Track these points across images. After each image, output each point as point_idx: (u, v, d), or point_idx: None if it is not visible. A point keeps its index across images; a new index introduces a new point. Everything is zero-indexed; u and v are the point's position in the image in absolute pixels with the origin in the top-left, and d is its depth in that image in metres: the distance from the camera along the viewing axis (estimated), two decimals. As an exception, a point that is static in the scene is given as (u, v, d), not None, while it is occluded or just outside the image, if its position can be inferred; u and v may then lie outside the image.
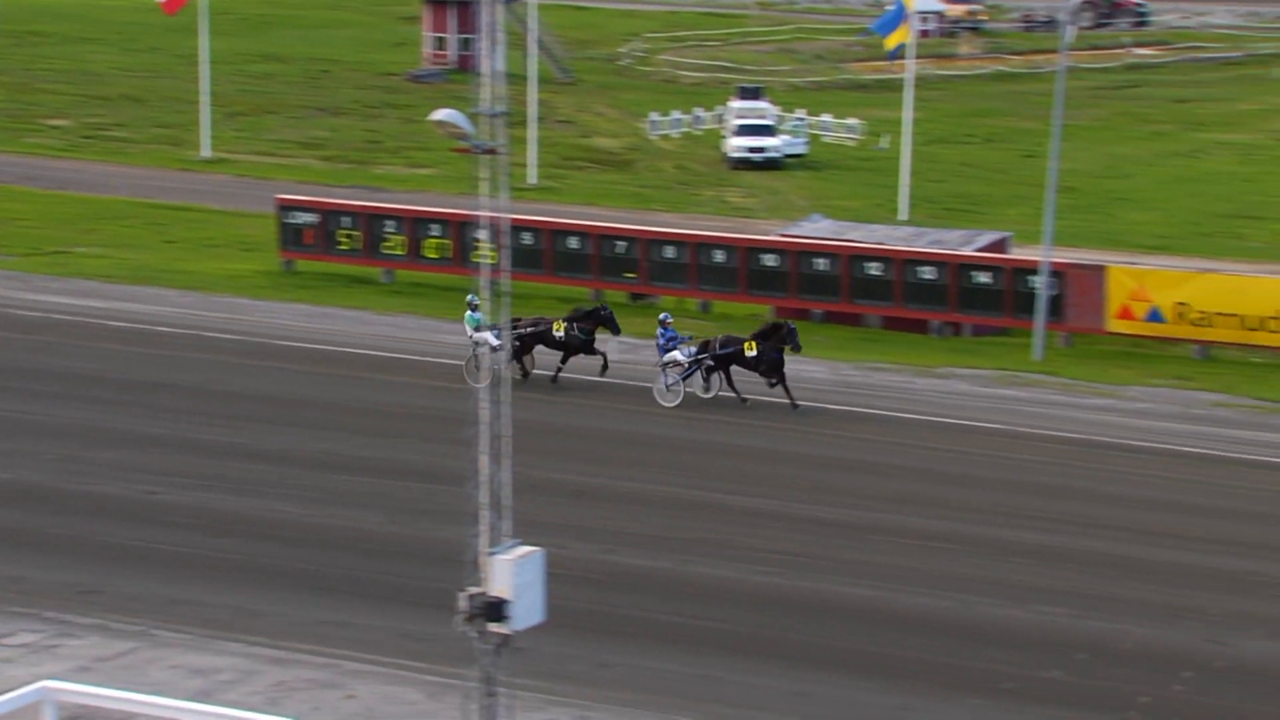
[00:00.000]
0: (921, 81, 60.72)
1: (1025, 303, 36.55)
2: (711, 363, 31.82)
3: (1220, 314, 35.49)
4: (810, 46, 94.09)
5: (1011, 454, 29.29)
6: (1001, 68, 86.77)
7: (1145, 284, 36.44)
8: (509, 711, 18.52)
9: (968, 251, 38.78)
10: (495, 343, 32.58)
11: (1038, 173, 46.67)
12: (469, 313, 32.56)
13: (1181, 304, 35.87)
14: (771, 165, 61.33)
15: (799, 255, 39.12)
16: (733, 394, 31.77)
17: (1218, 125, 70.94)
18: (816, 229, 41.36)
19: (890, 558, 24.45)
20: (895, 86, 62.48)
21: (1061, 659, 21.09)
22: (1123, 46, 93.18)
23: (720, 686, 20.44)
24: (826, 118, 68.42)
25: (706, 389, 31.95)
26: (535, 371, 33.24)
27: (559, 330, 32.96)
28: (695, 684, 20.50)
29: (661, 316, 32.72)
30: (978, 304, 37.67)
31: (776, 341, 31.65)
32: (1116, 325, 36.57)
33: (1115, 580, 23.60)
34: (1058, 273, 36.52)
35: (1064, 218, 40.54)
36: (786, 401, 31.41)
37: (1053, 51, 60.22)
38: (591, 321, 33.16)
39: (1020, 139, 65.93)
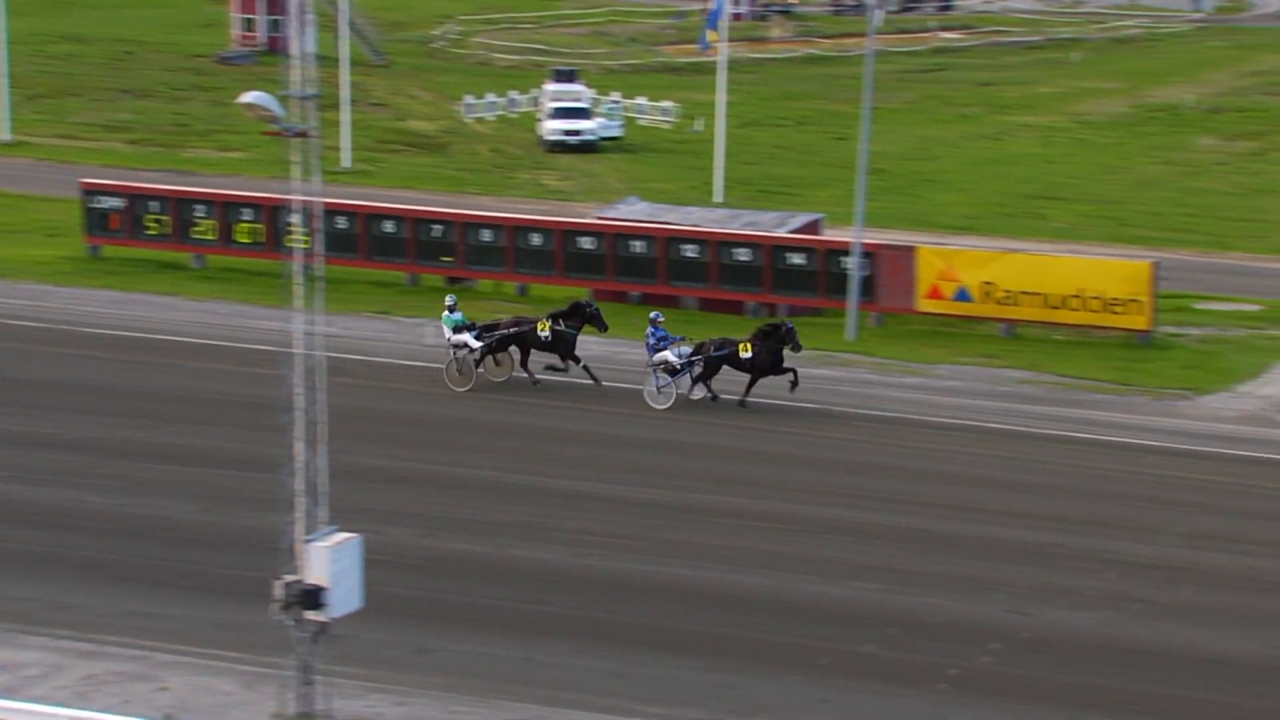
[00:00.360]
0: (734, 65, 61.22)
1: (838, 283, 37.10)
2: (701, 366, 30.59)
3: (1025, 293, 36.34)
4: (624, 29, 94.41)
5: (826, 433, 29.72)
6: (812, 51, 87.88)
7: (953, 264, 37.18)
8: (326, 699, 18.36)
9: (782, 233, 39.23)
10: (476, 345, 31.46)
11: (848, 155, 47.41)
12: (446, 313, 31.61)
13: (988, 283, 36.67)
14: (587, 148, 61.44)
15: (616, 238, 39.25)
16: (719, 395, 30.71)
17: (1020, 108, 72.62)
18: (633, 211, 41.53)
19: (708, 537, 24.67)
20: (708, 70, 62.90)
21: (875, 633, 21.47)
22: (929, 30, 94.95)
23: (541, 669, 20.47)
24: (641, 100, 68.72)
25: (692, 390, 30.79)
26: (516, 373, 31.90)
27: (544, 330, 31.50)
28: (515, 667, 20.50)
29: (652, 315, 31.30)
30: (792, 285, 38.14)
31: (775, 342, 30.52)
32: (926, 305, 37.26)
33: (926, 555, 24.08)
34: (869, 254, 37.12)
35: (874, 199, 41.21)
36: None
37: (861, 35, 61.12)
38: (578, 319, 31.73)
39: (831, 122, 66.86)
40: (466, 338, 31.49)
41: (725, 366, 30.73)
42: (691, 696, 19.86)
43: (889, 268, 37.38)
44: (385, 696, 19.62)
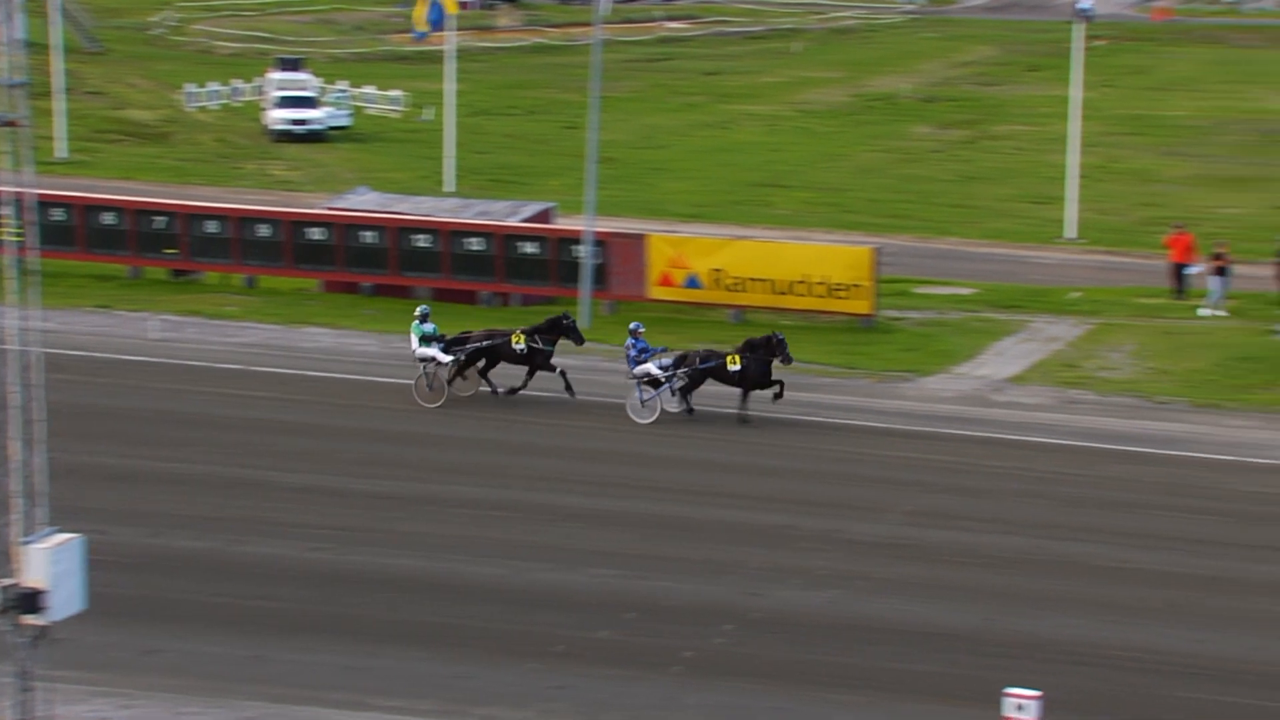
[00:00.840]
0: (463, 54, 61.03)
1: (570, 272, 37.27)
2: (685, 379, 29.46)
3: (753, 279, 36.99)
4: (350, 17, 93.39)
5: (561, 420, 29.83)
6: (540, 40, 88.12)
7: (683, 252, 37.66)
8: (47, 705, 17.80)
9: (513, 222, 39.25)
10: (444, 359, 29.85)
11: (578, 144, 47.64)
12: (415, 323, 30.11)
13: (717, 270, 37.23)
14: (315, 137, 60.68)
15: (346, 228, 38.79)
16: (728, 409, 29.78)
17: (744, 97, 73.89)
18: (363, 202, 41.11)
19: (444, 528, 24.57)
20: (436, 59, 62.62)
21: (611, 619, 21.64)
22: (654, 20, 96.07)
23: (272, 666, 20.14)
24: (369, 89, 68.08)
25: (681, 403, 29.80)
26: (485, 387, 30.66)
27: (519, 343, 30.23)
28: (246, 665, 20.13)
29: (632, 326, 29.99)
30: (525, 274, 38.19)
31: (765, 354, 29.55)
32: (658, 292, 37.67)
33: (662, 540, 24.36)
34: (601, 242, 37.36)
35: (605, 188, 41.53)
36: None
37: (588, 24, 61.54)
38: (554, 333, 30.55)
39: (561, 111, 67.12)
40: (434, 351, 30.02)
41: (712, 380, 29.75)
42: (426, 688, 19.76)
43: (620, 256, 37.69)
44: (111, 700, 19.09)
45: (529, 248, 38.16)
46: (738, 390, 29.88)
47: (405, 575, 22.85)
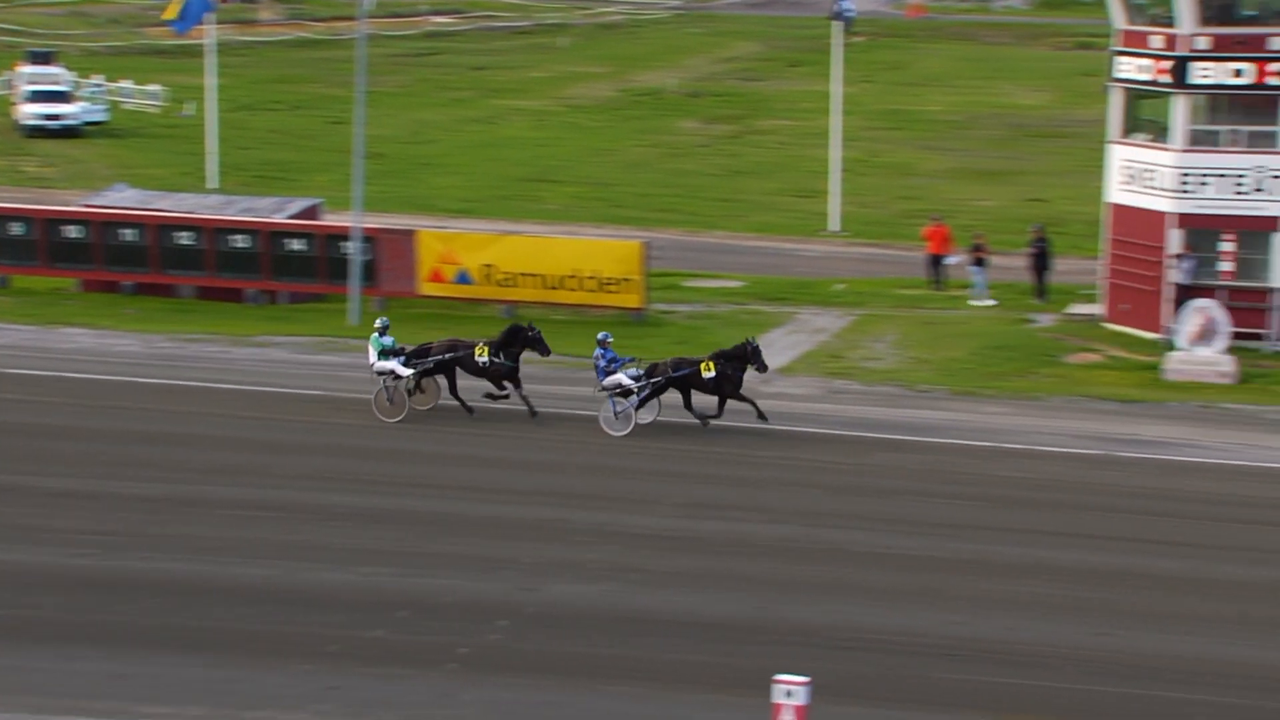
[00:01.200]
0: (224, 47, 59.94)
1: (339, 268, 36.91)
2: (651, 388, 28.77)
3: (524, 274, 37.04)
4: (105, 10, 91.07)
5: (329, 419, 29.50)
6: (304, 34, 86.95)
7: (453, 247, 37.54)
8: None
9: (280, 219, 38.70)
10: (404, 372, 28.70)
11: (345, 139, 47.15)
12: (375, 335, 28.85)
13: (488, 266, 37.19)
14: (70, 133, 59.12)
15: (104, 226, 37.87)
16: (695, 418, 29.21)
17: (512, 92, 73.86)
18: (122, 199, 40.16)
19: (210, 530, 24.12)
20: (196, 52, 61.37)
21: (384, 618, 21.47)
22: (420, 15, 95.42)
23: (33, 676, 19.55)
24: (127, 84, 66.46)
25: (647, 412, 29.13)
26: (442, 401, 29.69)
27: (483, 355, 29.20)
28: (5, 676, 19.50)
29: (601, 336, 29.35)
30: (292, 271, 37.72)
31: (740, 362, 28.93)
32: (428, 288, 37.49)
33: (435, 537, 24.25)
34: (369, 238, 37.07)
35: (373, 183, 41.17)
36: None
37: (352, 18, 60.83)
38: (519, 344, 29.48)
39: (327, 106, 66.32)
40: (394, 365, 29.03)
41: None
42: (195, 694, 19.36)
43: (390, 252, 37.42)
44: None
45: (296, 244, 37.68)
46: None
47: (170, 579, 22.37)
